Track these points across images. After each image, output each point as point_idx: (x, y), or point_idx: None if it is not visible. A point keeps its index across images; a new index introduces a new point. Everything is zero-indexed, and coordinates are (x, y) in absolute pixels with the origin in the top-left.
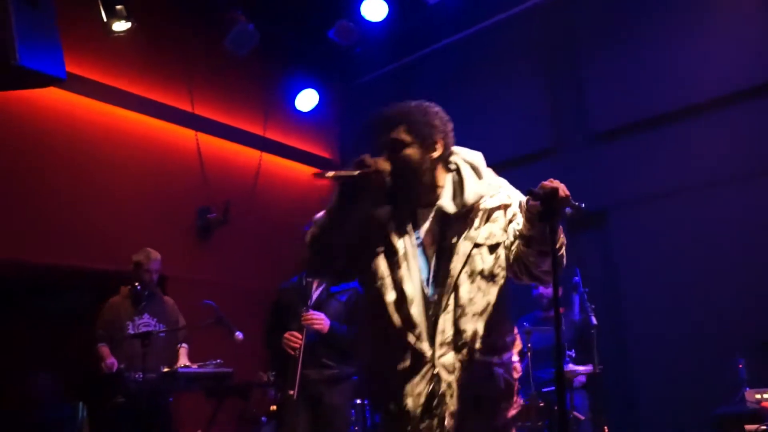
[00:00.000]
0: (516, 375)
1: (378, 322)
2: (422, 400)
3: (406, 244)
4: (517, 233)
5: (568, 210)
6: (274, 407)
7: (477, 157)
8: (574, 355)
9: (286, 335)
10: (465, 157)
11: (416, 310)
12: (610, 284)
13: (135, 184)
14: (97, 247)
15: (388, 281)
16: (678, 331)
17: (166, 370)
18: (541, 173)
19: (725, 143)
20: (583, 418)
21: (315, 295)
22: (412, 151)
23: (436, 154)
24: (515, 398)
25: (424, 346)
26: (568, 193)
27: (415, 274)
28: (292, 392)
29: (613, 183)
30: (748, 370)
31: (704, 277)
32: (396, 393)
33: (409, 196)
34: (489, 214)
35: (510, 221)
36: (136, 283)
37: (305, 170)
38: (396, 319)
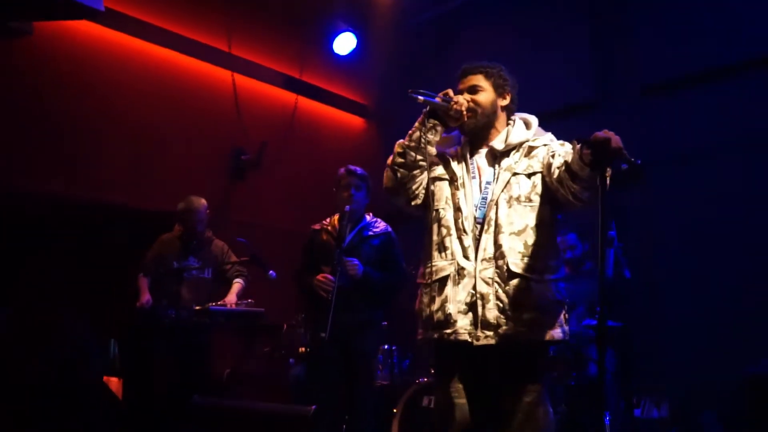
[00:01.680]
0: (559, 296)
1: (433, 237)
2: (462, 306)
3: (464, 173)
4: (563, 165)
5: (624, 166)
6: (302, 349)
7: (532, 117)
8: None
9: (318, 277)
10: (522, 116)
11: (468, 225)
12: (647, 240)
13: (169, 123)
14: (131, 184)
15: (449, 201)
16: (712, 290)
17: (197, 308)
18: (584, 125)
19: None
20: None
21: (348, 239)
22: (486, 95)
23: (504, 103)
24: (556, 319)
25: (469, 260)
26: (621, 145)
27: (469, 199)
28: (323, 334)
29: (656, 138)
30: None
31: (742, 238)
32: (441, 300)
33: (475, 131)
34: (530, 150)
35: (551, 156)
36: (182, 229)
37: (340, 115)
38: (453, 231)
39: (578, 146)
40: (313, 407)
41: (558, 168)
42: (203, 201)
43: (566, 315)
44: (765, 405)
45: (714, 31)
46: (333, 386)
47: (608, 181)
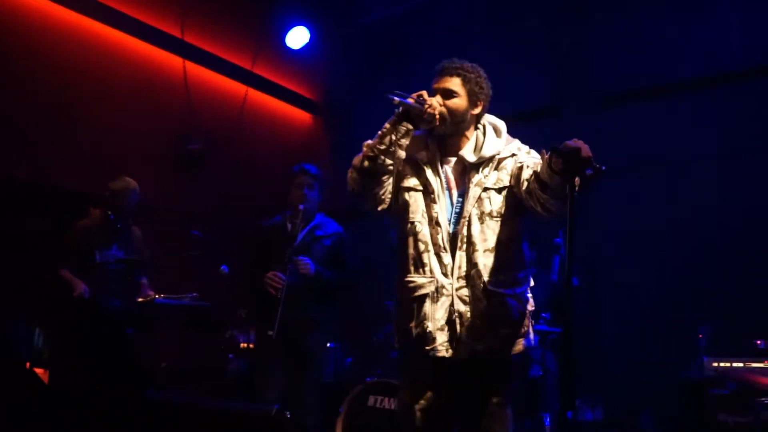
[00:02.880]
0: (529, 308)
1: (410, 251)
2: (440, 323)
3: (438, 185)
4: (533, 176)
5: (588, 171)
6: (243, 345)
7: (500, 123)
8: (549, 317)
9: (269, 275)
10: (491, 120)
11: (446, 241)
12: (588, 248)
13: (116, 105)
14: (73, 167)
15: (425, 215)
16: (648, 296)
17: (141, 300)
18: (540, 131)
19: (723, 120)
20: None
21: (299, 238)
22: (459, 102)
23: (476, 111)
24: (526, 328)
25: (447, 278)
26: (590, 154)
27: (443, 213)
28: (271, 332)
29: (603, 147)
30: (711, 339)
31: (679, 246)
32: (419, 317)
33: (445, 138)
34: (498, 162)
35: (519, 168)
36: (110, 213)
37: (289, 109)
38: (430, 247)
39: (547, 155)
40: (276, 406)
41: (527, 180)
42: (135, 183)
43: (532, 321)
44: (696, 406)
45: (669, 46)
46: (279, 383)
47: (577, 189)
